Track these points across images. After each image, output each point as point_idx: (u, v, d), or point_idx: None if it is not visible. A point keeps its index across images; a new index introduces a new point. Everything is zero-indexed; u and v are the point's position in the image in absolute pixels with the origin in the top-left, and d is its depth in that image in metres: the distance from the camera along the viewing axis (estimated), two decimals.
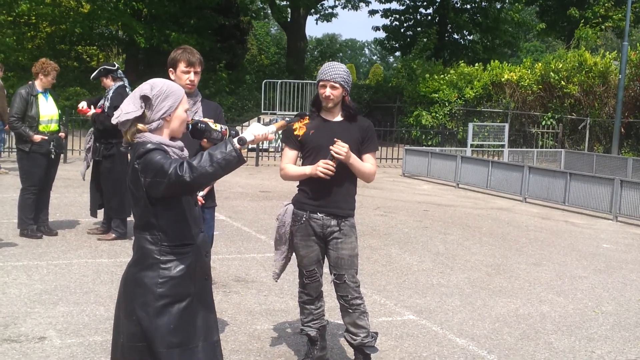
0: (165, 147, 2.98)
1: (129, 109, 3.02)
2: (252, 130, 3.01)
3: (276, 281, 4.93)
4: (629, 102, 22.30)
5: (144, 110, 3.02)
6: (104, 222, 8.62)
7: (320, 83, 4.47)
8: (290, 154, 4.63)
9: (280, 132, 3.47)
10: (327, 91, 4.43)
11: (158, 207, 2.98)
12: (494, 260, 8.52)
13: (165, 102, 3.05)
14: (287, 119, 3.38)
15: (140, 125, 3.01)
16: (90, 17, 28.05)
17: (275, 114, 23.69)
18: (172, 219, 3.02)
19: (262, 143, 19.89)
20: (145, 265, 3.02)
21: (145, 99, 3.03)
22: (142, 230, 3.06)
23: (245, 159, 2.93)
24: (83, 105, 8.54)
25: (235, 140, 2.90)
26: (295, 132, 3.44)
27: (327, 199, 4.50)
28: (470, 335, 5.65)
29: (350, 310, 4.55)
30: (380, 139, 23.57)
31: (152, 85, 3.07)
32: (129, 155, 3.06)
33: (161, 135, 3.05)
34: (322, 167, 4.35)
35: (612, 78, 23.27)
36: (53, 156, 8.31)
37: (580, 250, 9.46)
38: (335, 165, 4.36)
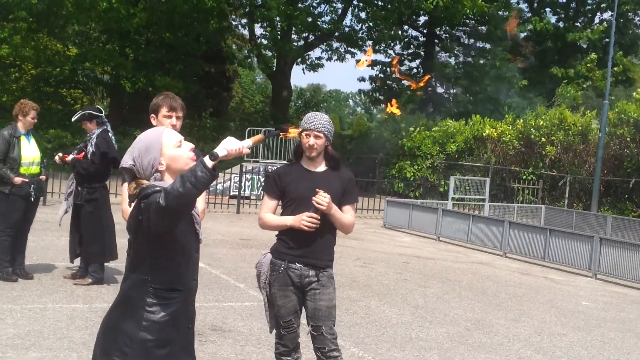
0: None
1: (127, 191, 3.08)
2: (225, 144, 2.91)
3: (270, 332, 4.75)
4: (608, 160, 22.57)
5: (136, 172, 3.02)
6: (81, 266, 8.50)
7: (304, 132, 4.47)
8: (270, 203, 4.61)
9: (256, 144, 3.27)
10: (311, 140, 4.44)
11: (154, 247, 2.94)
12: (473, 315, 8.48)
13: (148, 157, 3.02)
14: (267, 132, 3.31)
15: (139, 181, 3.01)
16: (79, 60, 28.17)
17: (257, 161, 23.74)
18: (165, 261, 2.98)
19: (244, 191, 19.97)
20: (129, 307, 2.97)
21: (126, 170, 3.04)
22: (133, 271, 3.02)
23: (216, 176, 2.85)
24: (60, 155, 8.55)
25: (206, 157, 2.84)
26: (290, 136, 3.40)
27: (306, 249, 4.46)
28: None
29: None
30: (362, 190, 23.67)
31: (131, 152, 3.07)
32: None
33: (164, 180, 3.03)
34: (306, 221, 4.34)
35: (592, 136, 23.60)
36: (33, 199, 8.22)
37: (559, 307, 9.45)
38: (319, 218, 4.36)
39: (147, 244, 2.95)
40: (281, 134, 3.39)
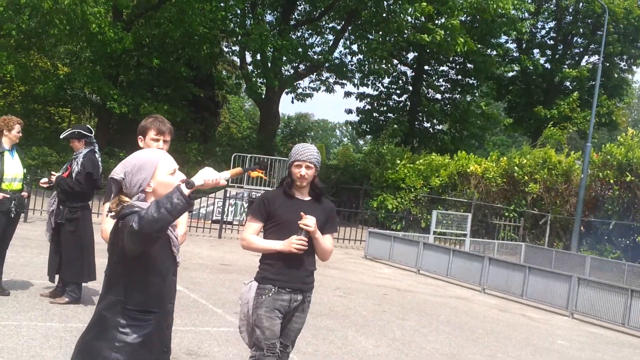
0: None
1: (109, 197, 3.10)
2: (203, 174, 2.94)
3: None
4: (589, 201, 22.78)
5: (122, 188, 3.05)
6: (59, 285, 8.44)
7: (295, 163, 4.65)
8: (255, 225, 4.71)
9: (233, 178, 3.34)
10: (302, 171, 4.63)
11: (129, 268, 2.96)
12: (449, 350, 8.49)
13: (139, 175, 3.05)
14: (245, 168, 3.38)
15: (122, 197, 3.03)
16: (67, 79, 28.20)
17: (242, 187, 23.76)
18: (140, 282, 2.99)
19: (226, 216, 19.95)
20: (103, 327, 2.97)
21: (114, 181, 3.06)
22: (108, 292, 3.03)
23: (193, 205, 2.87)
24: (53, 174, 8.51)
25: (183, 185, 2.86)
26: (253, 176, 3.53)
27: (293, 274, 4.60)
28: None
29: None
30: (344, 220, 23.72)
31: (124, 164, 3.11)
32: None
33: (148, 201, 3.06)
34: (295, 244, 4.49)
35: (574, 177, 23.83)
36: (13, 215, 8.18)
37: (535, 345, 9.49)
38: (307, 240, 4.51)
39: (122, 265, 2.97)
40: (257, 171, 3.52)
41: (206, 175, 2.95)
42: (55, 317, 7.52)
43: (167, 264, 3.10)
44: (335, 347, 7.82)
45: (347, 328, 8.95)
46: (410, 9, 27.48)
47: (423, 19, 30.52)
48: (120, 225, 2.93)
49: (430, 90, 39.08)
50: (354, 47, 33.62)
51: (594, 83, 27.98)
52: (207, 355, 6.79)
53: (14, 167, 8.23)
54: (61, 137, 8.70)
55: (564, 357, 8.94)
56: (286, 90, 34.37)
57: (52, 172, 8.62)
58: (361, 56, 33.37)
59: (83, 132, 8.39)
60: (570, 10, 38.26)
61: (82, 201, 8.34)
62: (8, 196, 8.05)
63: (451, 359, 8.02)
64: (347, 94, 38.93)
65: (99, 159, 8.44)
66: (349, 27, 33.63)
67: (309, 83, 37.11)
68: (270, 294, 4.56)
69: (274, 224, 4.64)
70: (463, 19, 31.73)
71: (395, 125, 36.02)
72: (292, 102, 39.64)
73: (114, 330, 2.95)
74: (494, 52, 36.23)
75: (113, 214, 3.04)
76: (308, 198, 4.73)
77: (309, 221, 4.50)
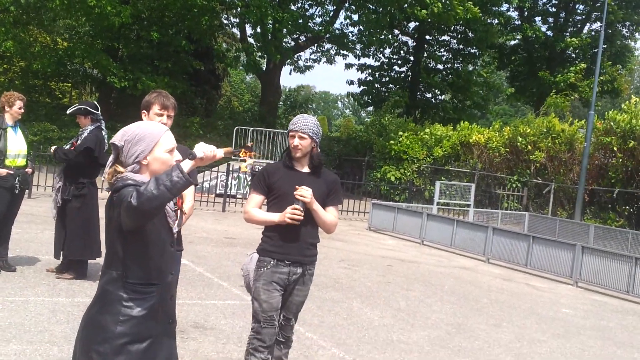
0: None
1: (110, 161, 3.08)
2: (202, 148, 3.01)
3: None
4: (593, 169, 22.72)
5: (119, 155, 3.04)
6: (64, 260, 8.46)
7: (290, 133, 4.65)
8: (256, 198, 4.71)
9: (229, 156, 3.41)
10: (296, 141, 4.60)
11: (126, 242, 2.96)
12: (454, 319, 8.53)
13: (137, 146, 3.03)
14: (235, 148, 3.47)
15: (118, 167, 3.02)
16: (66, 54, 28.01)
17: (244, 160, 23.71)
18: (139, 256, 2.99)
19: (230, 189, 19.97)
20: (107, 301, 2.98)
21: (114, 146, 3.04)
22: (109, 267, 3.03)
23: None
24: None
25: (185, 161, 2.88)
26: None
27: (293, 246, 4.58)
28: None
29: (283, 345, 4.72)
30: (348, 192, 23.73)
31: (125, 131, 3.09)
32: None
33: (142, 173, 3.05)
34: (290, 213, 4.46)
35: (577, 145, 23.75)
36: (17, 191, 8.18)
37: (539, 314, 9.53)
38: (302, 211, 4.46)
39: (120, 239, 2.97)
40: (246, 152, 3.61)
41: (205, 149, 3.01)
42: (62, 292, 7.56)
43: (164, 235, 3.10)
44: (341, 319, 7.85)
45: (352, 299, 8.99)
46: None
47: None
48: (114, 199, 2.92)
49: (431, 60, 38.82)
50: (355, 17, 33.35)
51: (596, 50, 27.76)
52: (214, 327, 6.82)
53: (18, 143, 8.21)
54: (67, 112, 8.67)
55: (569, 325, 8.98)
56: (286, 62, 34.13)
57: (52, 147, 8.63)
58: (361, 27, 33.09)
59: (89, 108, 8.35)
60: None
61: (88, 177, 8.33)
62: (12, 172, 8.05)
63: (456, 328, 8.06)
64: (348, 66, 38.73)
65: (106, 136, 8.39)
66: None
67: (310, 54, 36.90)
68: (269, 267, 4.57)
69: (274, 196, 4.65)
70: None
71: (397, 97, 35.85)
72: (290, 73, 39.60)
73: (117, 304, 2.96)
74: (496, 21, 35.92)
75: (108, 186, 3.05)
76: (308, 170, 4.70)
77: (304, 192, 4.48)
